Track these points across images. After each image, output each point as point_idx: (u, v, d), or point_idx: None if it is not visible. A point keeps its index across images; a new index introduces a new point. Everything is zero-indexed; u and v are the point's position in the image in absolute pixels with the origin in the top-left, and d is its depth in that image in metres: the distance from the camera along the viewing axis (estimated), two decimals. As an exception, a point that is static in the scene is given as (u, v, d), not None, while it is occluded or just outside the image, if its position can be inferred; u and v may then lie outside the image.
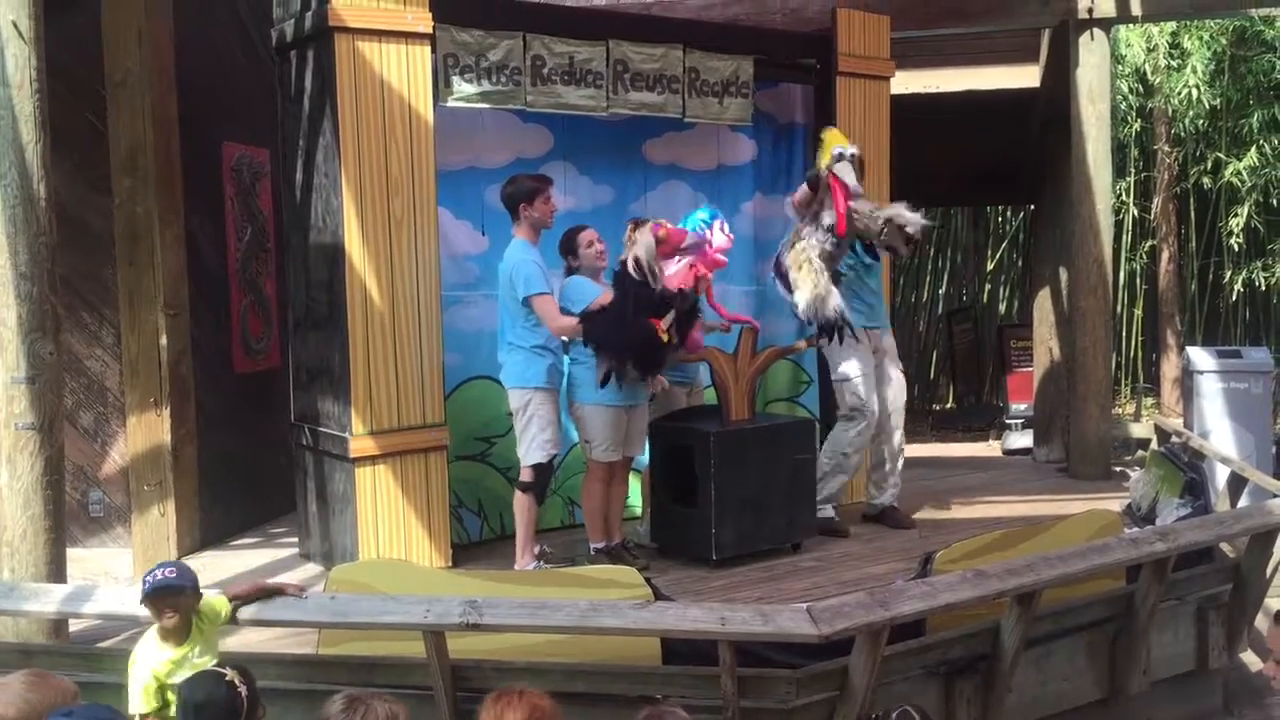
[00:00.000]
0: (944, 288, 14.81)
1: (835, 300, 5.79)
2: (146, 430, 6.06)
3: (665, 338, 5.23)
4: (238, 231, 6.84)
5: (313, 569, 5.75)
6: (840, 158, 5.75)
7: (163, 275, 6.03)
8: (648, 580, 4.47)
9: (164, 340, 6.03)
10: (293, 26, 5.59)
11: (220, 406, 6.58)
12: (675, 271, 5.58)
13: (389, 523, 5.47)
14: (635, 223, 5.54)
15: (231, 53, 6.88)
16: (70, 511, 5.93)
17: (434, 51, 5.52)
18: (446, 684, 4.03)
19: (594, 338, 5.24)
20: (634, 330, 5.18)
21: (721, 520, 5.48)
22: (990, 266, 14.59)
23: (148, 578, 3.54)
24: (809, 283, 5.79)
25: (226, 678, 3.09)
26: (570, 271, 5.53)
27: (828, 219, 5.81)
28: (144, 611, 3.64)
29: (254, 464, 6.84)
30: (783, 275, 6.00)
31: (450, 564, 5.60)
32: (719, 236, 5.79)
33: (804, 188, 5.93)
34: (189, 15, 6.32)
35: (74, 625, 4.74)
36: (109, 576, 6.04)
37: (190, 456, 6.26)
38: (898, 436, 6.40)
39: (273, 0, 5.83)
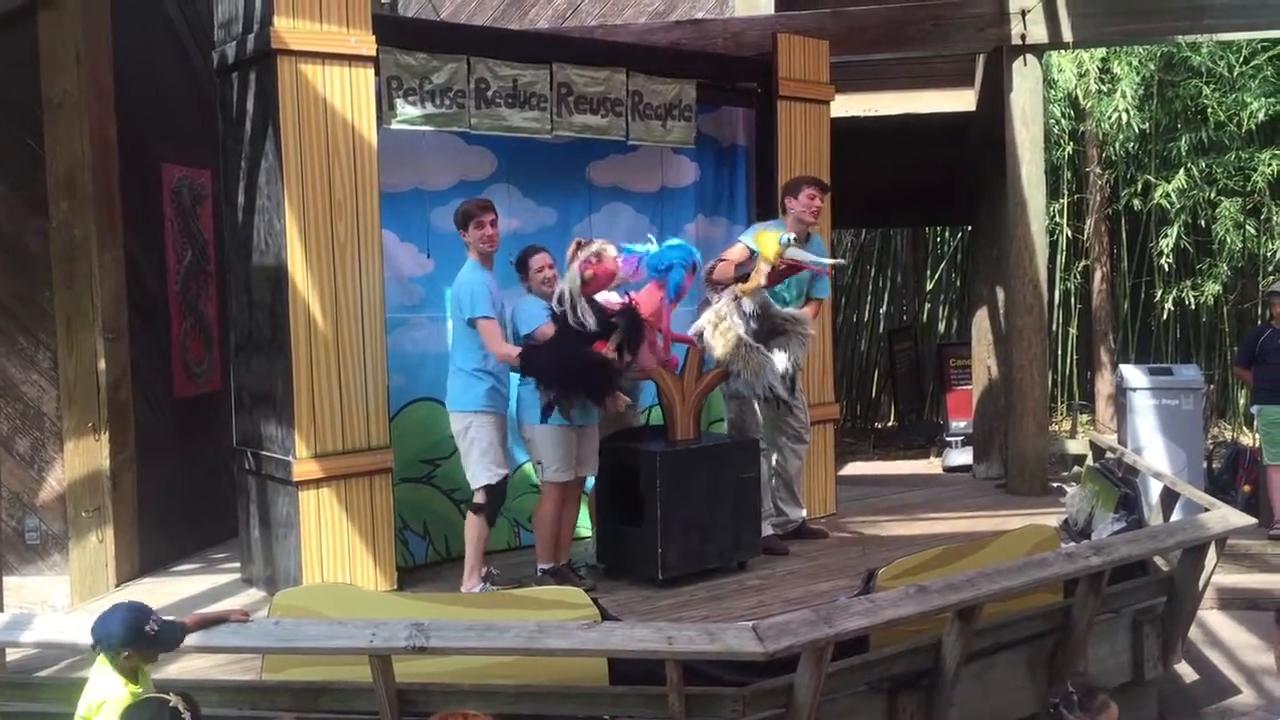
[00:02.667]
0: (884, 307, 15.00)
1: (768, 375, 5.83)
2: (84, 455, 5.97)
3: (615, 355, 5.27)
4: (178, 254, 6.77)
5: (256, 594, 5.68)
6: (789, 243, 5.80)
7: (101, 298, 5.96)
8: (595, 601, 4.48)
9: (102, 364, 5.95)
10: (234, 49, 5.56)
11: (160, 431, 6.50)
12: (643, 291, 5.63)
13: (333, 546, 5.43)
14: (579, 243, 5.57)
15: (171, 74, 6.82)
16: (6, 539, 5.84)
17: (377, 74, 5.52)
18: (393, 708, 4.00)
19: (533, 371, 5.26)
20: (582, 361, 5.21)
21: (668, 540, 5.51)
22: (929, 286, 14.81)
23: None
24: (738, 358, 5.78)
25: (170, 704, 3.07)
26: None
27: (749, 306, 5.81)
28: (83, 640, 3.59)
29: (195, 489, 6.75)
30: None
31: (396, 587, 5.57)
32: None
33: (728, 267, 5.94)
34: (128, 36, 6.27)
35: (10, 655, 4.65)
36: (46, 605, 5.93)
37: (129, 482, 6.17)
38: (803, 451, 6.50)
39: (214, 22, 5.81)
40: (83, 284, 5.92)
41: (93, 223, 5.92)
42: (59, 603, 5.94)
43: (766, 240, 5.79)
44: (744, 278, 5.85)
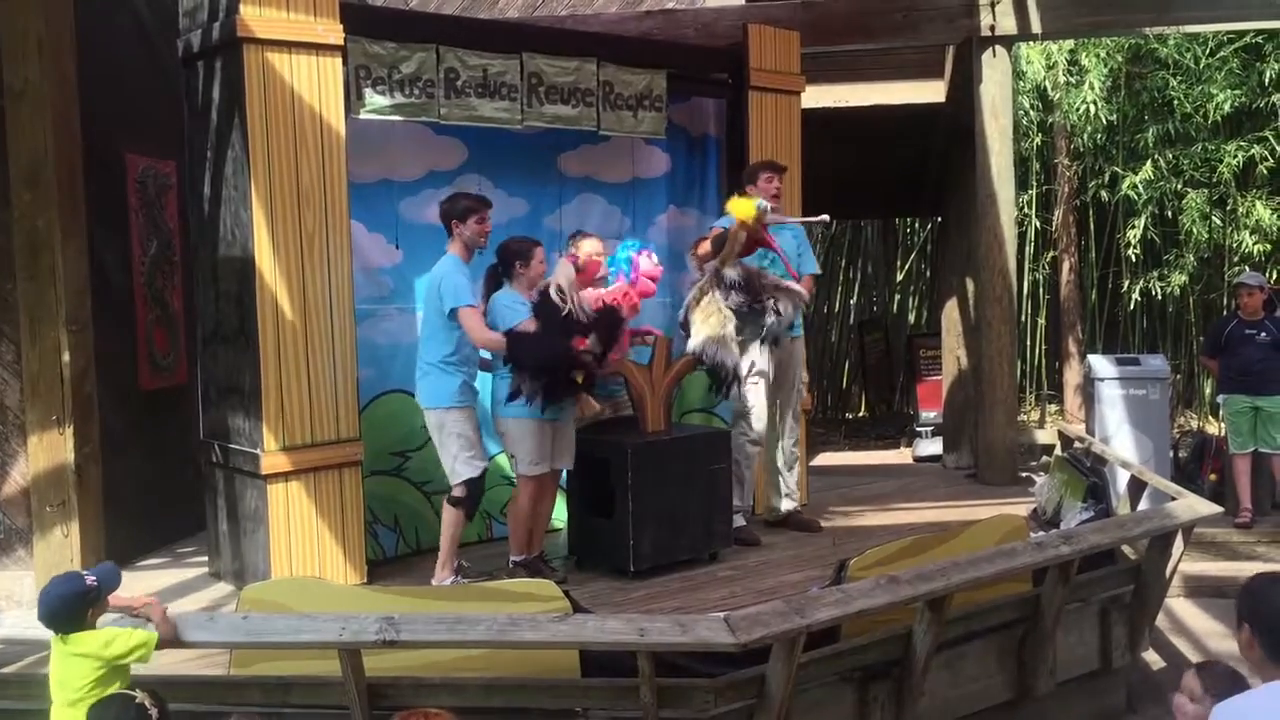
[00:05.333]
0: (855, 298, 15.05)
1: (733, 353, 5.87)
2: (48, 449, 5.88)
3: (588, 357, 5.26)
4: (143, 245, 6.69)
5: (224, 588, 5.64)
6: (766, 209, 5.81)
7: (65, 290, 5.86)
8: (566, 593, 4.47)
9: (66, 357, 5.86)
10: (199, 37, 5.50)
11: (125, 424, 6.42)
12: (611, 289, 5.62)
13: (302, 540, 5.39)
14: (576, 236, 5.68)
15: (135, 63, 6.73)
16: (-32, 534, 5.77)
17: (345, 63, 5.47)
18: (362, 702, 3.98)
19: (516, 356, 5.23)
20: (553, 350, 5.19)
21: (639, 531, 5.50)
22: (899, 277, 14.87)
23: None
24: (713, 325, 5.83)
25: (137, 700, 3.05)
26: (498, 283, 5.50)
27: (730, 275, 5.84)
28: (48, 635, 3.55)
29: (161, 482, 6.69)
30: (686, 325, 6.03)
31: (366, 581, 5.54)
32: (646, 263, 5.88)
33: (706, 244, 6.00)
34: (91, 24, 6.17)
35: (-27, 652, 4.60)
36: (10, 600, 5.86)
37: (94, 476, 6.08)
38: (792, 441, 6.50)
39: (179, 10, 5.73)
40: (46, 276, 5.83)
41: (55, 213, 5.81)
42: (24, 598, 5.87)
43: (741, 204, 5.80)
44: (721, 250, 5.88)
